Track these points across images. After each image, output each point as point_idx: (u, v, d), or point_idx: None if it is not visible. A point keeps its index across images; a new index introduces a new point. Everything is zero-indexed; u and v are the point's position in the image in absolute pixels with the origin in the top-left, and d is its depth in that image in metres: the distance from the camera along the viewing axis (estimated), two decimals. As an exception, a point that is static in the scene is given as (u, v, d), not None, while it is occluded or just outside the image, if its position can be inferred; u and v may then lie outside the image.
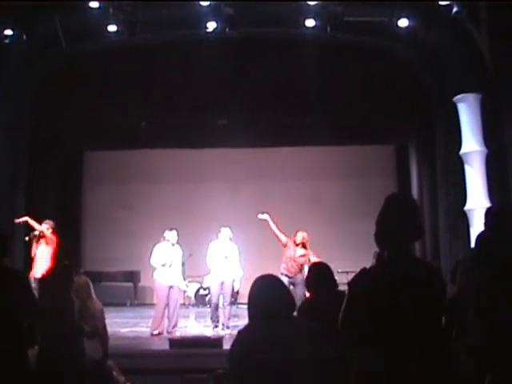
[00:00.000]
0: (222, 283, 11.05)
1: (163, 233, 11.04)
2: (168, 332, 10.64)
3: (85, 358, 5.93)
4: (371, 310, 2.94)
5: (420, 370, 2.86)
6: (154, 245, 11.00)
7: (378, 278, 3.02)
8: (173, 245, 10.93)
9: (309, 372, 3.41)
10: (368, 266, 3.19)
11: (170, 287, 10.76)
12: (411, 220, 3.14)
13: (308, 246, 11.20)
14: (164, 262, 10.68)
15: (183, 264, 11.76)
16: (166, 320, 10.85)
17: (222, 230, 11.28)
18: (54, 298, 5.81)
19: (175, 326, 10.87)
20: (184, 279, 11.98)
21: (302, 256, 11.05)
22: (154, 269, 10.86)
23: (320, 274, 5.43)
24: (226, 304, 11.12)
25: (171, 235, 10.87)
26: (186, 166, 17.94)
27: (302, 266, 10.99)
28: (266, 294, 3.66)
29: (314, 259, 10.71)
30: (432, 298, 2.94)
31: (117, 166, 18.09)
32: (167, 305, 10.77)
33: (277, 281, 3.83)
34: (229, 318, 11.05)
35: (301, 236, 11.20)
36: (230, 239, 11.24)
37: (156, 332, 10.49)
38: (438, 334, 2.95)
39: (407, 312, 2.89)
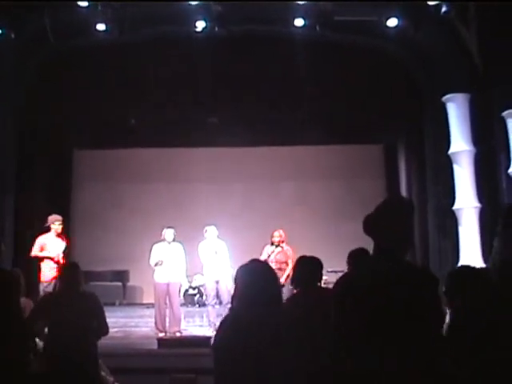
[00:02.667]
0: (217, 282, 10.94)
1: (161, 231, 10.96)
2: (177, 332, 10.43)
3: (97, 360, 5.91)
4: (363, 311, 2.92)
5: (416, 368, 2.84)
6: (152, 245, 10.92)
7: (369, 279, 2.99)
8: (169, 243, 10.81)
9: (283, 364, 3.40)
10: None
11: (168, 285, 10.59)
12: (407, 227, 3.11)
13: (286, 243, 11.00)
14: (156, 262, 10.59)
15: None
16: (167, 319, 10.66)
17: (208, 228, 11.21)
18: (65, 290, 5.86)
19: (179, 324, 10.71)
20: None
21: (278, 253, 10.83)
22: (153, 270, 10.74)
23: (303, 270, 5.38)
24: (217, 302, 10.96)
25: (166, 233, 10.80)
26: (176, 164, 17.90)
27: (282, 263, 10.67)
28: (253, 281, 3.65)
29: (289, 252, 10.73)
30: (423, 298, 2.90)
31: (106, 165, 18.03)
32: (166, 304, 10.61)
33: (264, 268, 3.83)
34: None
35: (278, 235, 10.97)
36: (218, 237, 11.18)
37: (162, 334, 10.28)
38: (431, 334, 2.93)
39: (400, 313, 2.87)
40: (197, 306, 15.64)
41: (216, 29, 12.55)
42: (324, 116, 15.46)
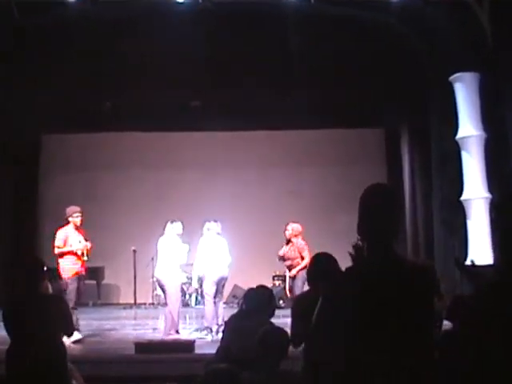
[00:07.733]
0: (215, 280, 11.10)
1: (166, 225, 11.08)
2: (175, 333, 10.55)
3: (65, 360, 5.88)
4: (351, 312, 3.03)
5: (408, 362, 2.93)
6: (157, 240, 11.05)
7: (360, 279, 3.07)
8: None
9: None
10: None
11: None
12: (393, 217, 3.19)
13: (297, 238, 11.30)
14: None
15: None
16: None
17: (208, 224, 11.31)
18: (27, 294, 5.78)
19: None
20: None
21: (289, 249, 11.29)
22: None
23: (318, 267, 5.47)
24: (217, 300, 11.17)
25: (177, 227, 10.99)
26: (156, 151, 17.79)
27: (294, 259, 11.17)
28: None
29: (299, 244, 11.13)
30: (415, 298, 2.99)
31: (78, 151, 17.89)
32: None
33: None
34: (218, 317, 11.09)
35: (289, 229, 11.38)
36: (218, 233, 11.32)
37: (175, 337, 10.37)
38: (423, 335, 3.01)
39: (390, 314, 2.96)
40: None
41: (200, 0, 12.48)
42: (319, 98, 15.36)
